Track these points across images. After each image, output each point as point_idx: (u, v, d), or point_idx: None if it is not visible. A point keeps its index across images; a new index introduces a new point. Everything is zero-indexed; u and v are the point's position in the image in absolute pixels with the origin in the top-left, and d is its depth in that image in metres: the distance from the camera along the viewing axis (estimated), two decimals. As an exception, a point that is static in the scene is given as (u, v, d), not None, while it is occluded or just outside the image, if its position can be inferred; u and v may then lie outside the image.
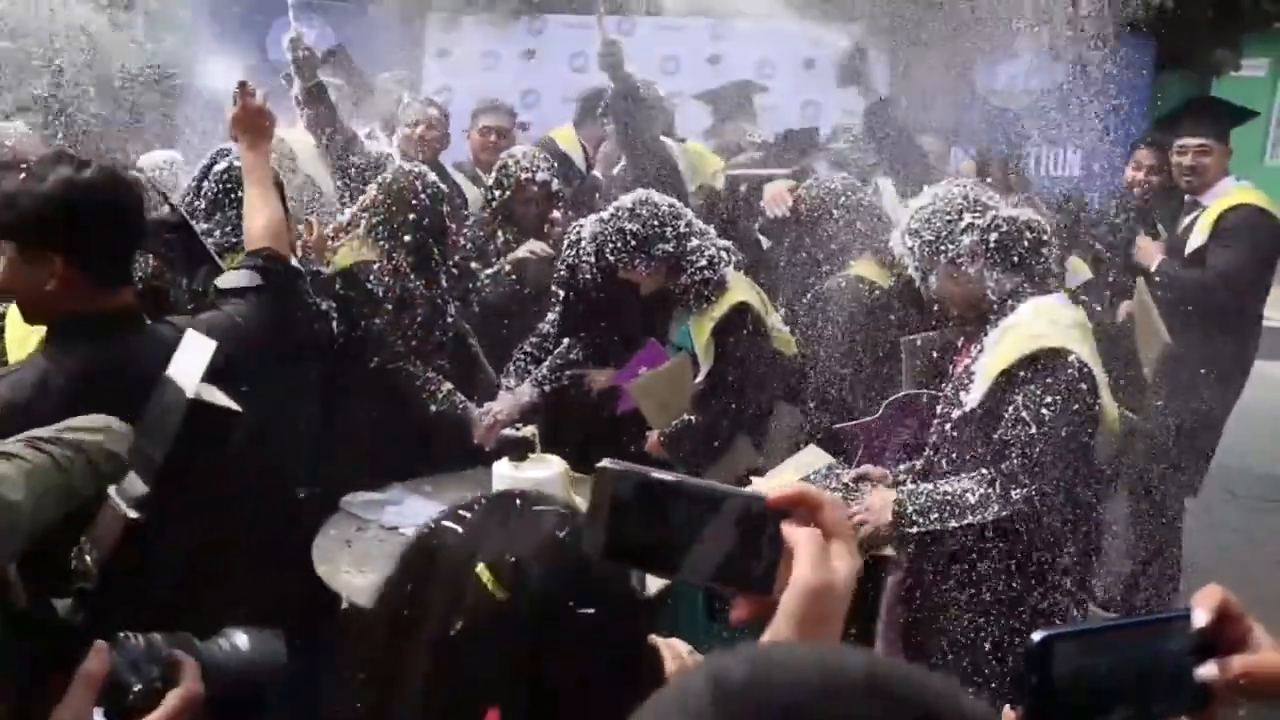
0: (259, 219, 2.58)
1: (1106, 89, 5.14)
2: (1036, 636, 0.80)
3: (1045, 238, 2.71)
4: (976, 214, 2.67)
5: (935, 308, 2.98)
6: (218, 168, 3.31)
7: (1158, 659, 0.84)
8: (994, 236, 2.65)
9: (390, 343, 3.54)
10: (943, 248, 2.67)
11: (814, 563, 0.82)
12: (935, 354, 3.16)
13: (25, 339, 2.86)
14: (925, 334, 3.25)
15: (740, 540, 0.86)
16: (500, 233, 4.14)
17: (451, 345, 3.77)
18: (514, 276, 4.00)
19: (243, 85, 2.75)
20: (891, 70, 5.88)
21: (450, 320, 3.72)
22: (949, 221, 2.67)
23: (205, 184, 3.34)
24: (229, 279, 2.47)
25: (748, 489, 0.88)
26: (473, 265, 4.03)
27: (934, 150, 4.56)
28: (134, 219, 2.19)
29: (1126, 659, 0.83)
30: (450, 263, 3.75)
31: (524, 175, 4.04)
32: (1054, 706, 0.80)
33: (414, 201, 3.58)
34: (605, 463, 0.87)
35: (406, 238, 3.59)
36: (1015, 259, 2.66)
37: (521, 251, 4.01)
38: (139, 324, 2.18)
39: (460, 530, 1.14)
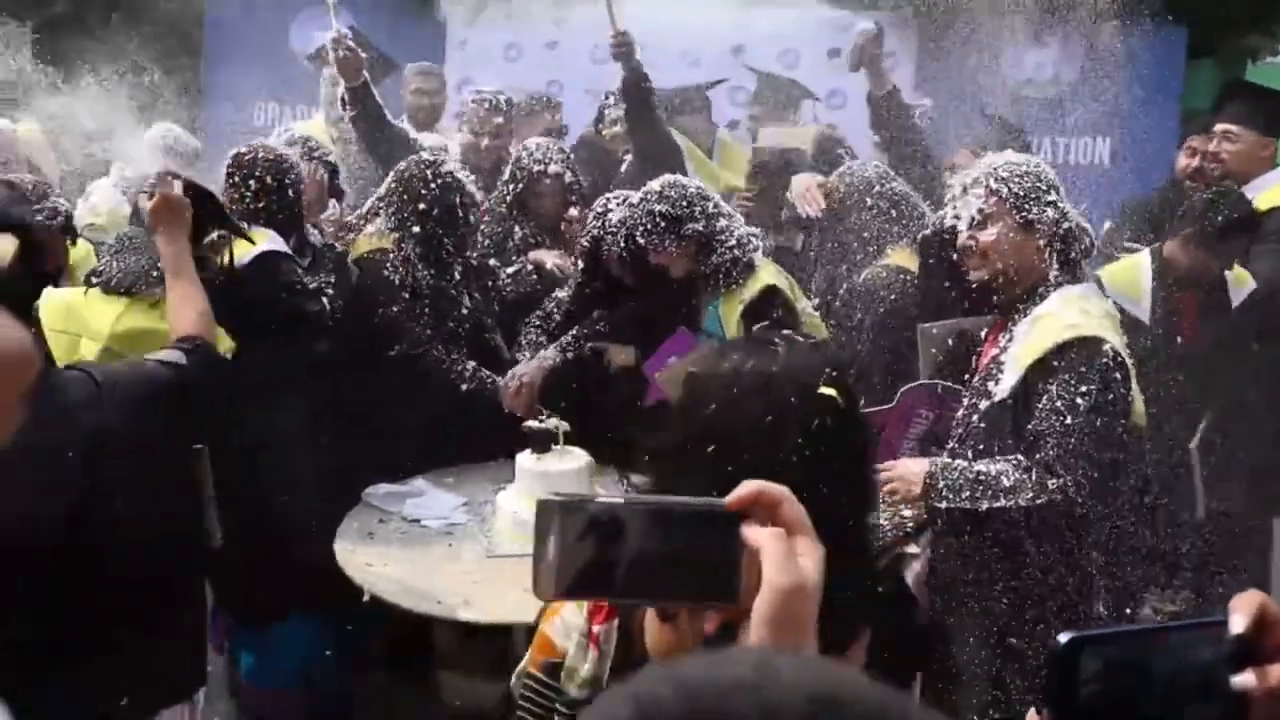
0: (189, 311, 2.48)
1: (1138, 77, 5.07)
2: (1062, 638, 0.76)
3: (1094, 249, 2.72)
4: (1060, 198, 2.66)
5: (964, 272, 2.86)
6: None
7: (1191, 666, 0.78)
8: (1066, 226, 2.64)
9: (410, 329, 3.54)
10: (1026, 207, 2.62)
11: (780, 564, 0.79)
12: (952, 342, 3.11)
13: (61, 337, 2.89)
14: (943, 322, 3.20)
15: (701, 551, 0.82)
16: (518, 228, 4.11)
17: (470, 335, 3.75)
18: (534, 276, 3.98)
19: (162, 177, 2.64)
20: (918, 61, 5.83)
21: (465, 311, 3.71)
22: (1039, 189, 2.64)
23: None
24: (161, 354, 2.42)
25: (703, 498, 0.84)
26: (491, 262, 4.00)
27: (963, 160, 4.46)
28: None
29: (1158, 665, 0.78)
30: (467, 254, 3.73)
31: (537, 168, 4.01)
32: (1079, 712, 0.76)
33: (423, 191, 3.58)
34: (547, 496, 0.84)
35: (415, 228, 3.59)
36: (1073, 254, 2.65)
37: (544, 260, 3.99)
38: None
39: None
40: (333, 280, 3.50)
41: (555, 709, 1.36)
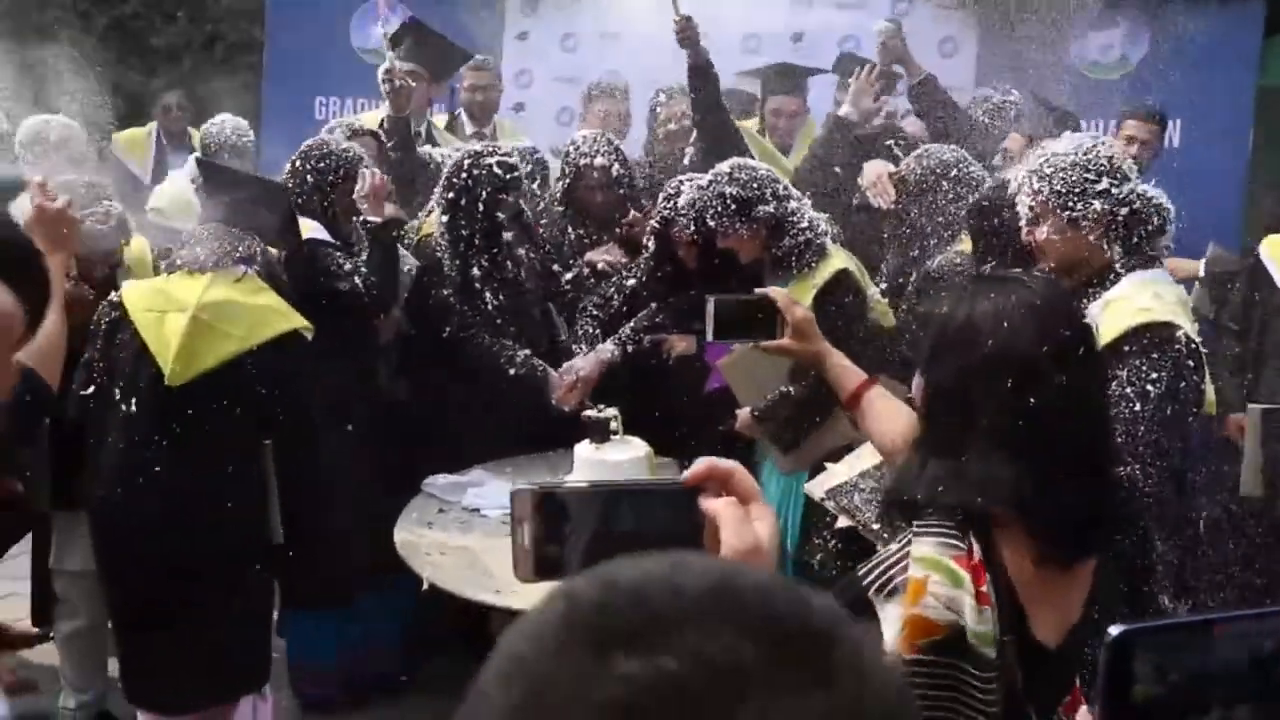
0: (40, 339, 2.10)
1: (1210, 55, 4.92)
2: (1114, 631, 0.73)
3: (1169, 224, 2.58)
4: (1115, 182, 2.52)
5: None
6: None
7: (1254, 660, 0.75)
8: (1124, 211, 2.52)
9: (461, 311, 3.57)
10: (1070, 204, 2.52)
11: (736, 529, 0.86)
12: None
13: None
14: None
15: (665, 525, 0.89)
16: (571, 228, 4.09)
17: (530, 333, 3.76)
18: (592, 280, 3.96)
19: (40, 185, 2.44)
20: (979, 46, 5.72)
21: (487, 308, 3.67)
22: (1086, 180, 2.52)
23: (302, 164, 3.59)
24: None
25: (662, 478, 0.91)
26: (554, 268, 4.00)
27: (1014, 145, 4.37)
28: None
29: (1218, 659, 0.74)
30: (496, 254, 3.69)
31: (583, 161, 3.97)
32: (1134, 708, 0.73)
33: (454, 180, 3.63)
34: (518, 486, 0.90)
35: (444, 216, 3.62)
36: (1136, 239, 2.53)
37: (596, 259, 3.97)
38: None
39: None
40: (372, 261, 3.56)
41: (964, 679, 1.40)
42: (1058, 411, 1.48)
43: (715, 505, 0.89)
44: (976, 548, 1.45)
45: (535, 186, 4.27)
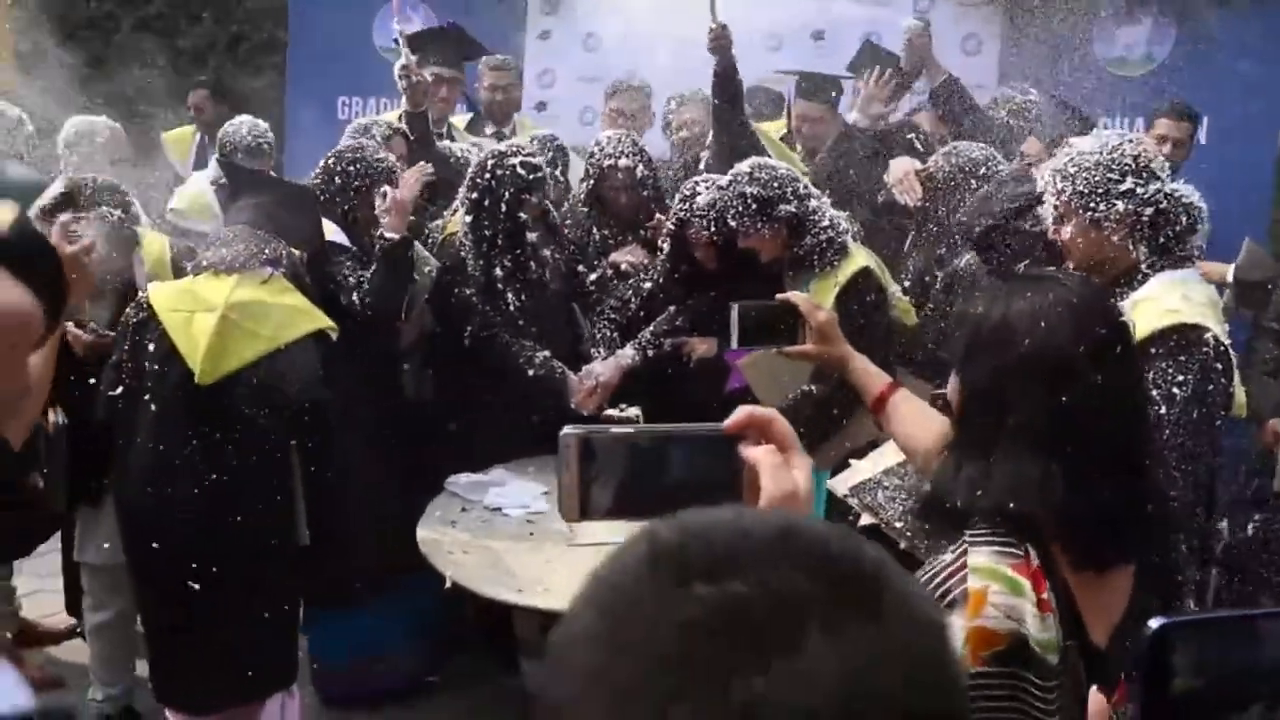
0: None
1: (1240, 51, 4.87)
2: (1154, 624, 0.73)
3: (1200, 224, 2.53)
4: (1140, 182, 2.46)
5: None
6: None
7: None
8: (1149, 212, 2.46)
9: (483, 312, 3.58)
10: (1092, 205, 2.47)
11: (774, 475, 0.89)
12: None
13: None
14: None
15: (706, 471, 0.92)
16: (596, 229, 4.09)
17: (552, 333, 3.76)
18: (615, 281, 3.96)
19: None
20: (1003, 44, 5.68)
21: (508, 309, 3.68)
22: (1110, 180, 2.47)
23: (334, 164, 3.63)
24: None
25: (703, 424, 0.94)
26: (579, 269, 4.00)
27: (1031, 149, 4.34)
28: None
29: (1261, 655, 0.74)
30: (519, 255, 3.68)
31: (607, 162, 3.95)
32: (1173, 701, 0.72)
33: (477, 180, 3.64)
34: (566, 429, 0.92)
35: (468, 216, 3.63)
36: (1162, 239, 2.48)
37: (619, 260, 3.97)
38: None
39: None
40: (377, 278, 3.54)
41: (1026, 688, 1.39)
42: (1095, 411, 1.47)
43: (755, 452, 0.91)
44: (1033, 553, 1.44)
45: (557, 173, 4.32)
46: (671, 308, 3.74)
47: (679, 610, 0.56)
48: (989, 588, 1.41)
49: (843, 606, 0.56)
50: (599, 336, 3.80)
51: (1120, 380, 1.51)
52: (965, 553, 1.46)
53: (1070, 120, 4.42)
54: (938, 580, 1.47)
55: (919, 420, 2.01)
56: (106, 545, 3.32)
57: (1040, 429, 1.46)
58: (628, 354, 3.67)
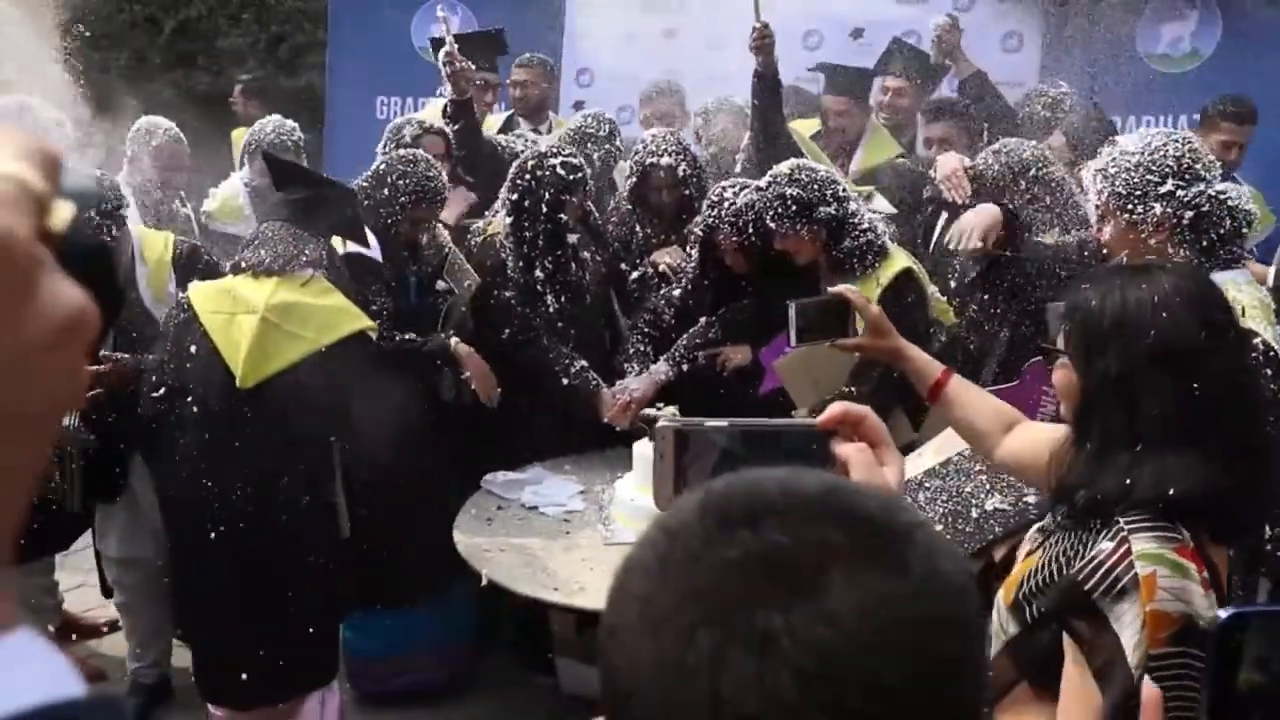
0: None
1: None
2: (1224, 613, 0.74)
3: (1246, 226, 2.48)
4: (1181, 184, 2.41)
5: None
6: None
7: None
8: (1189, 215, 2.41)
9: (522, 314, 3.58)
10: (1130, 207, 2.43)
11: (865, 471, 0.92)
12: None
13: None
14: None
15: (797, 465, 0.90)
16: (639, 227, 4.08)
17: (590, 337, 3.77)
18: (656, 280, 3.95)
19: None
20: (1045, 40, 5.62)
21: (549, 310, 3.67)
22: (1149, 182, 2.42)
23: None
24: None
25: (797, 419, 0.93)
26: (621, 267, 4.00)
27: (1058, 148, 4.28)
28: None
29: None
30: (559, 255, 3.67)
31: (650, 160, 3.91)
32: (1243, 692, 0.70)
33: (518, 181, 3.62)
34: (662, 422, 0.96)
35: (509, 217, 3.63)
36: (1205, 242, 2.42)
37: (659, 260, 3.95)
38: None
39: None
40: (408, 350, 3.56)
41: (1195, 665, 1.44)
42: (1223, 395, 1.54)
43: (847, 449, 0.94)
44: (1187, 535, 1.51)
45: (615, 144, 4.41)
46: (703, 319, 3.71)
47: (719, 551, 0.62)
48: (1156, 572, 1.47)
49: (869, 557, 0.62)
50: (632, 351, 3.76)
51: (1240, 363, 1.61)
52: (1125, 541, 1.52)
53: (1095, 123, 4.33)
54: (1103, 570, 1.52)
55: (979, 406, 2.05)
56: (120, 541, 3.60)
57: (1178, 416, 1.52)
58: (661, 369, 3.63)
